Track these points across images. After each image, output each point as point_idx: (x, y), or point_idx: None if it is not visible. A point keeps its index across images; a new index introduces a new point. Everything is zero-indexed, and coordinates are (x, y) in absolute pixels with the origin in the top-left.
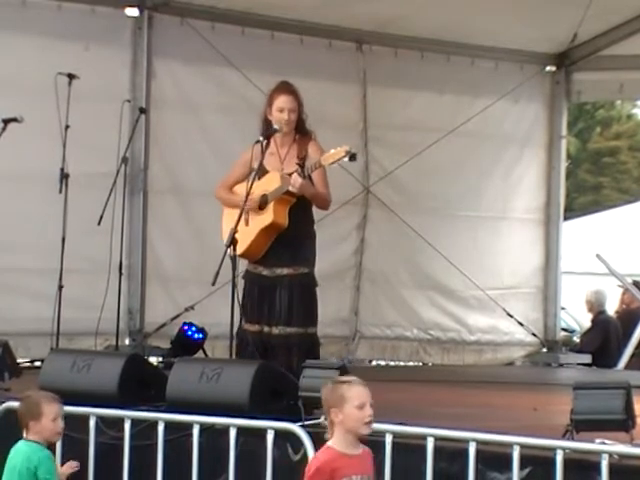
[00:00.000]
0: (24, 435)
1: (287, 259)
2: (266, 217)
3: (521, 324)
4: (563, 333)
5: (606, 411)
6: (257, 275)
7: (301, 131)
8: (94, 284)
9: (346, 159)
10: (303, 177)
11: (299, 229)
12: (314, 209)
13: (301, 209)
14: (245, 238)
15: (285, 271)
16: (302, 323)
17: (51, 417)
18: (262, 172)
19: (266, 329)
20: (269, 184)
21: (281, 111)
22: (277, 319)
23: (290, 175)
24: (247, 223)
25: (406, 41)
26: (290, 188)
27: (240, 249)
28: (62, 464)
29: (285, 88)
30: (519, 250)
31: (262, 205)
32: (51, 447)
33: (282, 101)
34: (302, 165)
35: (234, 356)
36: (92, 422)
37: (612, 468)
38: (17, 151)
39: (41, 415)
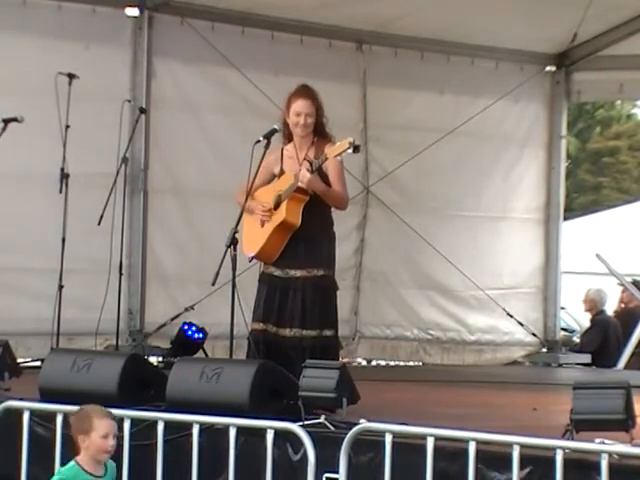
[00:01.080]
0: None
1: (301, 261)
2: (278, 216)
3: (521, 324)
4: (563, 333)
5: (606, 411)
6: (269, 275)
7: (320, 134)
8: (94, 284)
9: (350, 150)
10: (311, 172)
11: (314, 230)
12: (333, 211)
13: (317, 210)
14: (259, 239)
15: (298, 273)
16: (317, 326)
17: (101, 433)
18: (280, 174)
19: (273, 329)
20: (283, 184)
21: (298, 115)
22: (290, 321)
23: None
24: (263, 225)
25: (406, 41)
26: (299, 183)
27: (254, 250)
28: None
29: (303, 92)
30: (519, 250)
31: (276, 205)
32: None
33: (299, 105)
34: (310, 161)
35: (245, 358)
36: None
37: (612, 468)
38: (17, 151)
39: (91, 430)
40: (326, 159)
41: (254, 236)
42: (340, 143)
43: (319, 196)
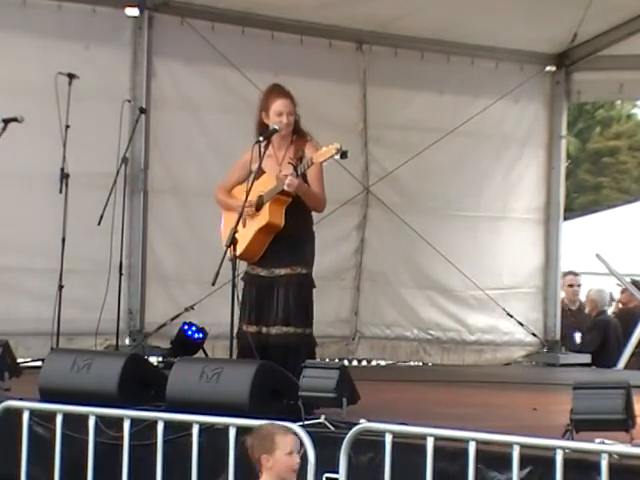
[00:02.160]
0: (258, 472)
1: (285, 259)
2: (262, 218)
3: (521, 324)
4: None
5: (606, 411)
6: (255, 276)
7: (297, 132)
8: (94, 284)
9: (337, 156)
10: (296, 175)
11: (297, 230)
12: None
13: (300, 210)
14: (243, 240)
15: (283, 271)
16: (301, 324)
17: (286, 450)
18: (260, 174)
19: (264, 329)
20: (265, 185)
21: (280, 115)
22: (275, 319)
23: (286, 176)
24: (244, 225)
25: (406, 41)
26: (285, 187)
27: (238, 251)
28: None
29: (280, 91)
30: (519, 250)
31: (258, 206)
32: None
33: (280, 105)
34: (295, 165)
35: (236, 358)
36: (91, 422)
37: (612, 468)
38: (17, 151)
39: (275, 448)
40: (312, 164)
41: (239, 237)
42: (327, 149)
43: (300, 197)
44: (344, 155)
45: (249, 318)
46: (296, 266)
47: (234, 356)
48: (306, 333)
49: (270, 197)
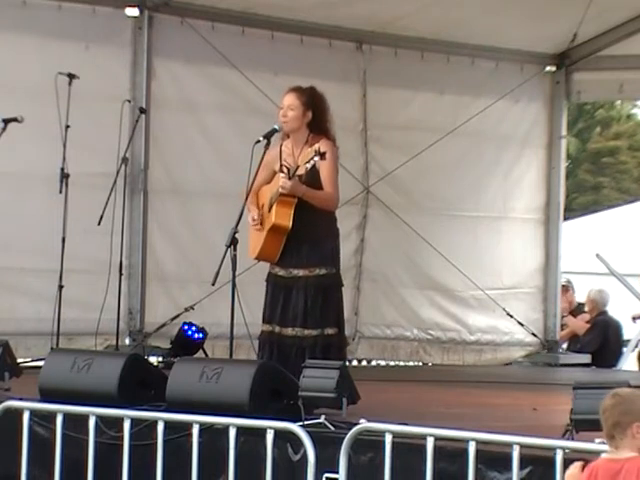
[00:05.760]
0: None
1: (303, 260)
2: (269, 220)
3: (521, 324)
4: None
5: None
6: (274, 275)
7: (315, 130)
8: (94, 284)
9: (317, 158)
10: (289, 178)
11: (316, 229)
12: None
13: (313, 208)
14: (258, 241)
15: (301, 272)
16: (318, 325)
17: None
18: (273, 175)
19: (277, 329)
20: (275, 186)
21: (281, 109)
22: (293, 320)
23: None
24: (262, 226)
25: (406, 41)
26: (280, 190)
27: (254, 252)
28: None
29: (291, 87)
30: (519, 250)
31: (270, 208)
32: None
33: (282, 99)
34: (288, 167)
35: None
36: (92, 422)
37: None
38: (17, 151)
39: None
40: (297, 167)
41: (255, 239)
42: (309, 150)
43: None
44: (322, 156)
45: (264, 316)
46: (314, 267)
47: (241, 355)
48: (325, 334)
49: (275, 199)
